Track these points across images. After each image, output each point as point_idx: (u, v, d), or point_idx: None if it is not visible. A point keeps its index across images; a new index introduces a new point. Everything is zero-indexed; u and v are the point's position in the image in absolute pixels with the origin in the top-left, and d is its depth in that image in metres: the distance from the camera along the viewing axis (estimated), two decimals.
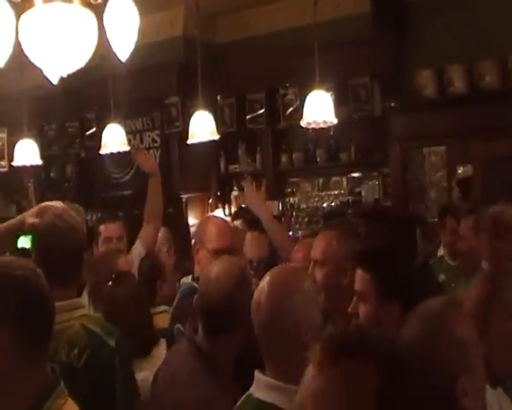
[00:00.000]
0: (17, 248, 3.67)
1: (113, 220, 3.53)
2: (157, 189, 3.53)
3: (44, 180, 7.03)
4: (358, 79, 5.19)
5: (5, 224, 2.14)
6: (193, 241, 3.00)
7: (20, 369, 1.29)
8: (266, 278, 1.59)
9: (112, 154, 5.12)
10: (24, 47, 2.35)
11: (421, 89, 4.93)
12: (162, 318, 2.89)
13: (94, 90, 5.47)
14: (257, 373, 1.54)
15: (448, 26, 4.94)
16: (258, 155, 5.94)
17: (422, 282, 2.60)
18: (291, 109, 5.47)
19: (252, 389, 1.54)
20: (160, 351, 2.46)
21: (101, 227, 3.39)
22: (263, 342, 1.55)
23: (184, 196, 6.07)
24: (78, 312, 1.99)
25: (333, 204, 5.71)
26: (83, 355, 1.87)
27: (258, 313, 1.54)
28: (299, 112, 4.62)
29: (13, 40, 2.34)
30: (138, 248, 3.33)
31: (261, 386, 1.51)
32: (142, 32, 2.48)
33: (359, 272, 1.89)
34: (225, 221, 3.02)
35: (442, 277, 3.57)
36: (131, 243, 3.47)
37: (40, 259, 1.95)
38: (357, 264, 1.91)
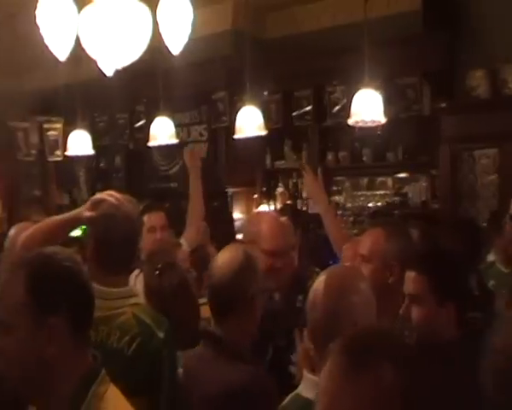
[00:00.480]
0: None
1: (157, 210, 3.56)
2: (197, 189, 3.57)
3: (95, 170, 7.22)
4: (408, 77, 5.12)
5: (61, 217, 2.15)
6: (239, 235, 2.97)
7: (68, 356, 1.34)
8: (322, 278, 1.56)
9: (160, 146, 5.23)
10: (82, 40, 2.43)
11: (474, 89, 4.83)
12: (207, 309, 2.94)
13: (143, 84, 5.57)
14: (306, 373, 1.52)
15: (502, 24, 4.82)
16: (304, 153, 5.94)
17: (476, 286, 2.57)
18: (338, 107, 5.45)
19: (299, 389, 1.53)
20: None
21: (145, 217, 3.38)
22: (316, 341, 1.52)
23: (230, 191, 6.13)
24: (131, 300, 2.01)
25: (378, 204, 5.65)
26: (133, 343, 1.90)
27: (314, 312, 1.52)
28: (345, 110, 4.59)
29: (74, 34, 2.42)
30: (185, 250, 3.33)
31: (311, 386, 1.48)
32: (191, 26, 2.53)
33: (412, 275, 1.85)
34: (280, 221, 2.86)
35: (492, 282, 3.47)
36: (178, 234, 3.53)
37: (97, 247, 2.00)
38: (412, 266, 1.87)
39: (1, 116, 6.17)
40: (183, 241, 3.42)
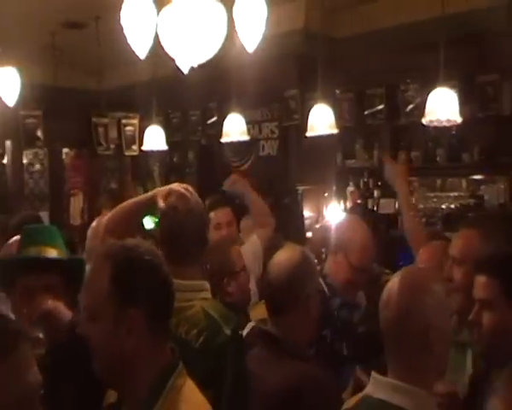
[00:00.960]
0: (144, 228, 3.87)
1: (223, 206, 3.55)
2: (256, 204, 3.51)
3: (168, 165, 7.41)
4: (486, 76, 4.96)
5: (137, 199, 2.23)
6: (309, 233, 2.93)
7: (147, 349, 1.38)
8: (397, 277, 1.54)
9: (231, 142, 5.31)
10: (161, 39, 2.52)
11: None
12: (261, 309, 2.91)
13: (216, 81, 5.67)
14: (375, 374, 1.51)
15: None
16: (375, 152, 5.87)
17: None
18: (411, 106, 5.35)
19: (369, 390, 1.52)
20: None
21: (212, 214, 3.33)
22: (388, 341, 1.51)
23: (301, 189, 6.14)
24: (201, 294, 2.03)
25: (452, 206, 5.50)
26: (200, 337, 1.91)
27: (386, 311, 1.51)
28: (420, 109, 4.50)
29: (153, 33, 2.52)
30: (256, 246, 3.31)
31: (383, 387, 1.48)
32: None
33: (482, 279, 1.80)
34: (370, 234, 2.63)
35: None
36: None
37: (165, 239, 2.04)
38: (482, 269, 1.79)
39: (84, 112, 6.45)
40: (256, 240, 3.41)
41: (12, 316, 1.74)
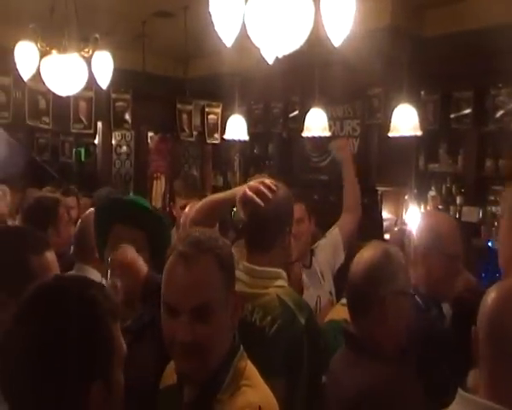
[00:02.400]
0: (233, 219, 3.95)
1: (297, 202, 3.61)
2: (350, 179, 3.48)
3: (249, 156, 7.48)
4: None
5: (222, 195, 2.30)
6: (386, 235, 2.87)
7: (227, 334, 1.46)
8: (493, 293, 1.46)
9: (313, 137, 5.30)
10: (247, 28, 2.56)
11: None
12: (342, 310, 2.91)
13: (300, 75, 5.66)
14: (461, 392, 1.45)
15: None
16: (460, 157, 5.66)
17: None
18: (502, 112, 5.12)
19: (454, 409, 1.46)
20: None
21: None
22: (482, 359, 1.43)
23: (380, 189, 6.04)
24: (276, 282, 2.06)
25: None
26: (274, 324, 1.93)
27: (480, 327, 1.44)
28: (511, 115, 4.31)
29: (240, 22, 2.56)
30: (336, 237, 3.30)
31: (473, 407, 1.42)
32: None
33: None
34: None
35: None
36: (322, 227, 3.54)
37: (244, 228, 2.13)
38: None
39: (169, 98, 6.65)
40: (336, 230, 3.38)
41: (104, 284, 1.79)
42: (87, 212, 3.00)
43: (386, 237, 5.38)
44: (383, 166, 5.95)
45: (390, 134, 4.43)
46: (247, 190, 2.07)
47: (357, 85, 5.80)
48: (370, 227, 5.41)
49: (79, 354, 1.09)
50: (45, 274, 1.50)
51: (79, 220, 3.03)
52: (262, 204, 2.05)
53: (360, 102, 6.04)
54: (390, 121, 4.43)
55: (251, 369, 1.47)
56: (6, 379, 1.10)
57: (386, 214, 6.06)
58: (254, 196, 2.07)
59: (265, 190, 2.07)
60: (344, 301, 2.95)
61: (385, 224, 5.92)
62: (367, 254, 1.96)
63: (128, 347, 1.22)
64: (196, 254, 1.42)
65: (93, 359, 1.12)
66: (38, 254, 1.60)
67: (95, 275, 2.70)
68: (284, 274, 2.11)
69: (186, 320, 1.38)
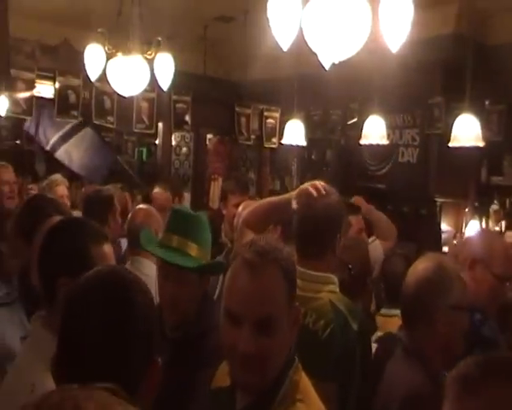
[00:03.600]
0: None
1: (353, 213, 3.68)
2: (383, 219, 3.69)
3: (306, 161, 7.48)
4: None
5: (276, 199, 2.33)
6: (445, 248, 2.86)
7: (289, 342, 1.44)
8: None
9: (371, 145, 5.24)
10: (304, 33, 2.57)
11: None
12: (396, 322, 2.89)
13: (359, 82, 5.61)
14: None
15: None
16: None
17: None
18: None
19: None
20: None
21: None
22: None
23: (439, 200, 5.91)
24: (329, 287, 2.08)
25: None
26: (327, 328, 1.96)
27: None
28: None
29: (297, 27, 2.57)
30: (379, 253, 3.35)
31: None
32: (412, 26, 2.51)
33: None
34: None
35: None
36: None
37: (296, 233, 2.16)
38: None
39: (228, 101, 6.73)
40: (377, 242, 3.43)
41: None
42: (139, 206, 3.12)
43: (445, 249, 5.27)
44: (443, 177, 5.81)
45: (451, 144, 4.33)
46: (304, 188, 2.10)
47: (418, 94, 5.69)
48: (428, 239, 5.30)
49: (147, 332, 1.17)
50: (102, 264, 1.57)
51: (130, 214, 3.16)
52: (315, 194, 2.07)
53: (420, 111, 5.92)
54: (451, 131, 4.33)
55: (305, 382, 1.45)
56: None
57: (445, 226, 5.92)
58: (310, 189, 2.09)
59: (314, 191, 2.09)
60: (384, 311, 2.96)
61: (443, 236, 5.79)
62: (421, 266, 1.93)
63: None
64: (263, 263, 1.39)
65: (153, 338, 1.19)
66: (98, 245, 1.65)
67: (149, 266, 2.78)
68: (336, 280, 2.12)
69: (249, 331, 1.35)
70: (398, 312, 2.93)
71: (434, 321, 1.82)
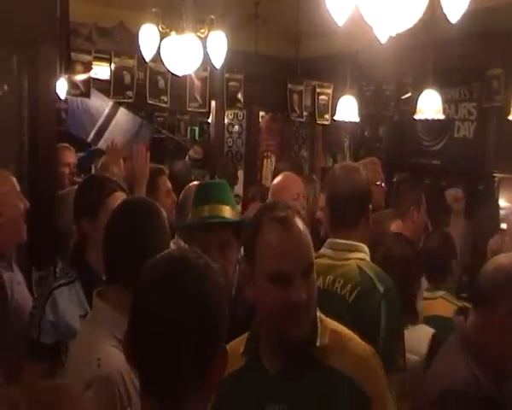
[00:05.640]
0: None
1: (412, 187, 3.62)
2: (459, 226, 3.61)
3: (359, 138, 7.40)
4: None
5: None
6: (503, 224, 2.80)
7: None
8: None
9: (425, 120, 5.14)
10: (360, 6, 2.53)
11: None
12: (440, 304, 2.84)
13: (413, 55, 5.47)
14: None
15: None
16: None
17: None
18: None
19: None
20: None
21: None
22: None
23: (497, 176, 5.76)
24: (358, 254, 2.13)
25: None
26: (354, 291, 2.02)
27: None
28: None
29: (353, 0, 2.53)
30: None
31: None
32: None
33: None
34: None
35: None
36: (434, 213, 3.51)
37: (328, 203, 2.26)
38: None
39: (280, 79, 6.70)
40: None
41: None
42: (190, 184, 3.16)
43: (503, 226, 5.14)
44: (502, 152, 5.64)
45: (510, 117, 4.20)
46: None
47: (475, 66, 5.51)
48: (485, 216, 5.18)
49: (218, 321, 1.16)
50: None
51: (182, 192, 3.21)
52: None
53: (477, 84, 5.75)
54: (510, 105, 4.20)
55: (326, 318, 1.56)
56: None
57: (503, 203, 5.76)
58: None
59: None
60: (426, 294, 2.87)
61: (502, 213, 5.64)
62: (504, 260, 1.82)
63: None
64: (291, 216, 1.48)
65: (223, 326, 1.19)
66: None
67: None
68: (367, 249, 2.17)
69: (300, 282, 1.43)
70: (442, 293, 2.93)
71: (505, 320, 1.71)
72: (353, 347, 1.52)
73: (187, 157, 7.60)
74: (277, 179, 3.40)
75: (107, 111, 7.21)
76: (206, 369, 1.14)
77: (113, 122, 7.23)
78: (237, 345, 1.57)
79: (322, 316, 1.56)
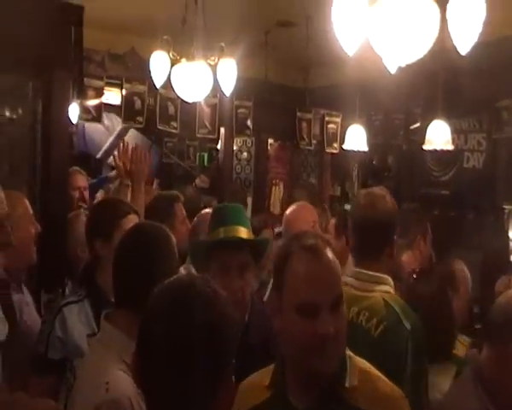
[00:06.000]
0: None
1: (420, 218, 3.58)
2: None
3: (368, 166, 7.42)
4: None
5: None
6: None
7: None
8: None
9: (434, 150, 5.14)
10: (369, 36, 2.55)
11: None
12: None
13: (422, 85, 5.50)
14: None
15: None
16: None
17: None
18: None
19: None
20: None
21: None
22: None
23: (507, 207, 5.73)
24: (383, 287, 2.09)
25: None
26: (379, 326, 1.98)
27: None
28: None
29: (363, 31, 2.56)
30: None
31: None
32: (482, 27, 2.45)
33: None
34: None
35: None
36: (442, 244, 3.49)
37: (352, 233, 2.21)
38: None
39: (290, 107, 6.75)
40: None
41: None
42: (203, 211, 3.16)
43: None
44: (511, 183, 5.63)
45: None
46: None
47: (485, 97, 5.52)
48: (494, 248, 5.14)
49: (226, 353, 1.16)
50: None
51: (195, 219, 3.20)
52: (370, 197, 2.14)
53: (487, 115, 5.76)
54: None
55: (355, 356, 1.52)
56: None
57: None
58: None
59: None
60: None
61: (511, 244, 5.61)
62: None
63: None
64: (322, 245, 1.45)
65: (231, 357, 1.18)
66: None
67: None
68: (391, 281, 2.13)
69: (328, 314, 1.39)
70: None
71: None
72: (383, 388, 1.48)
73: (193, 185, 7.64)
74: (292, 208, 3.39)
75: (118, 130, 7.27)
76: (212, 396, 1.13)
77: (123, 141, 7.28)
78: (263, 377, 1.54)
79: (351, 354, 1.51)
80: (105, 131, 7.26)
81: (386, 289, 2.09)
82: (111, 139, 7.28)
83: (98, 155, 7.24)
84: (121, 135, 7.27)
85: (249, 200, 6.79)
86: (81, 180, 4.36)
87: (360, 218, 2.18)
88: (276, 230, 4.18)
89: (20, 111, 3.08)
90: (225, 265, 1.99)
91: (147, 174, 3.16)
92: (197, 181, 7.93)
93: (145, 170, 3.12)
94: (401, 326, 1.95)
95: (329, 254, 1.45)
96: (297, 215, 3.30)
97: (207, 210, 3.12)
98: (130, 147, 3.12)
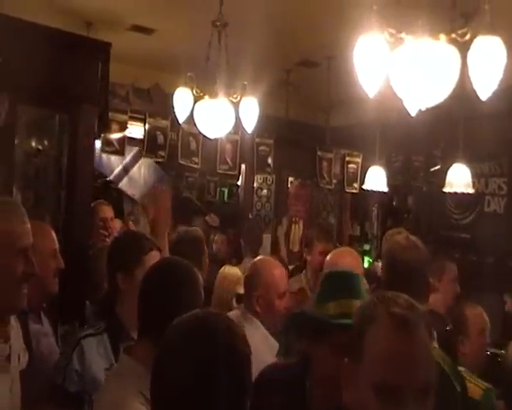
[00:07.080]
0: None
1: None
2: None
3: (387, 207, 7.40)
4: None
5: None
6: None
7: None
8: None
9: (454, 193, 5.12)
10: (391, 79, 2.59)
11: None
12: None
13: (443, 128, 5.52)
14: None
15: None
16: None
17: None
18: None
19: None
20: None
21: None
22: None
23: None
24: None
25: None
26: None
27: None
28: None
29: (384, 73, 2.59)
30: None
31: None
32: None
33: None
34: None
35: None
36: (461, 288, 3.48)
37: (385, 277, 2.21)
38: None
39: (310, 145, 6.80)
40: None
41: None
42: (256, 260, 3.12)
43: None
44: None
45: None
46: None
47: (505, 141, 5.52)
48: None
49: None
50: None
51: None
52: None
53: (508, 160, 5.74)
54: None
55: None
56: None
57: None
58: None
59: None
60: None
61: None
62: None
63: None
64: (415, 318, 1.19)
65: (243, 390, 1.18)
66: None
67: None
68: (434, 332, 2.07)
69: (412, 402, 1.14)
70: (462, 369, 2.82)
71: None
72: None
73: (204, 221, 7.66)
74: (335, 254, 3.13)
75: (132, 154, 7.32)
76: None
77: (136, 166, 7.30)
78: None
79: None
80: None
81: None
82: (124, 162, 7.31)
83: (111, 177, 7.28)
84: (136, 158, 7.31)
85: (268, 237, 6.79)
86: (107, 211, 4.36)
87: (402, 259, 2.14)
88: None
89: (46, 143, 3.15)
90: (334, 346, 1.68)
91: (169, 222, 3.15)
92: (207, 218, 7.93)
93: (169, 218, 3.10)
94: (453, 390, 1.91)
95: (421, 330, 1.18)
96: (338, 261, 2.94)
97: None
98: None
